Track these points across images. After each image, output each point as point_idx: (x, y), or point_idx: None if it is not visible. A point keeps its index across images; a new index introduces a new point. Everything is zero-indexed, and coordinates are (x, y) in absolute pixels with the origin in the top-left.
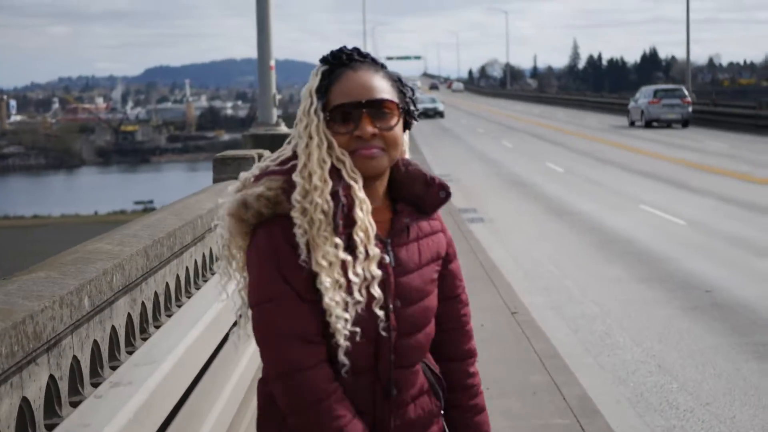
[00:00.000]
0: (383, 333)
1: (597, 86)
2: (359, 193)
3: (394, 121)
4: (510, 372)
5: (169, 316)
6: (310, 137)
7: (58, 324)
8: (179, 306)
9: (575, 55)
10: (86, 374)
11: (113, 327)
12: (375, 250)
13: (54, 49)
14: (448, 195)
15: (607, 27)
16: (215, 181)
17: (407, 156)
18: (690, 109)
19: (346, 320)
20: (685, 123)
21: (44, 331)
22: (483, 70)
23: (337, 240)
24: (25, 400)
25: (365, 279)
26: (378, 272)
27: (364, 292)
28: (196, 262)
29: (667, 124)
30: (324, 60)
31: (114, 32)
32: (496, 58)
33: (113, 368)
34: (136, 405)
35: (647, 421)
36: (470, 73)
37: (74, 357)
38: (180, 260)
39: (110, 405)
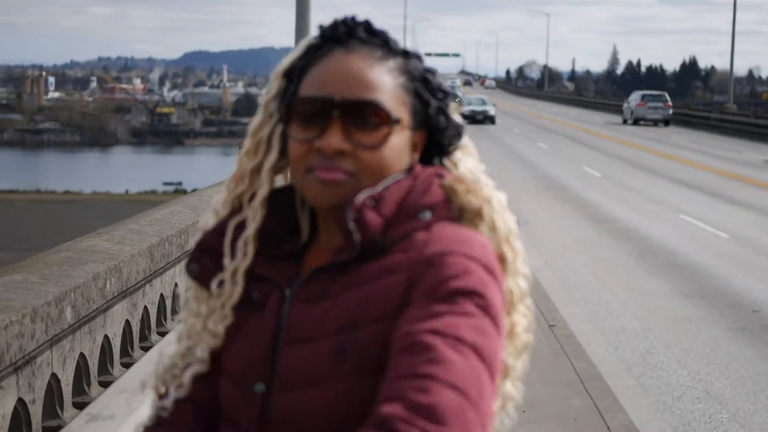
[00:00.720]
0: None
1: None
2: (249, 212)
3: (379, 136)
4: (549, 394)
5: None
6: (253, 145)
7: (27, 342)
8: None
9: (614, 60)
10: (68, 393)
11: (106, 337)
12: (232, 291)
13: (95, 29)
14: (355, 236)
15: (647, 34)
16: None
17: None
18: (670, 111)
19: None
20: (666, 122)
21: (8, 351)
22: (521, 70)
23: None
24: None
25: (205, 328)
26: (217, 326)
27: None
28: None
29: (654, 123)
30: (319, 31)
31: (155, 15)
32: (534, 60)
33: (104, 384)
34: None
35: None
36: (508, 73)
37: (53, 375)
38: None
39: None
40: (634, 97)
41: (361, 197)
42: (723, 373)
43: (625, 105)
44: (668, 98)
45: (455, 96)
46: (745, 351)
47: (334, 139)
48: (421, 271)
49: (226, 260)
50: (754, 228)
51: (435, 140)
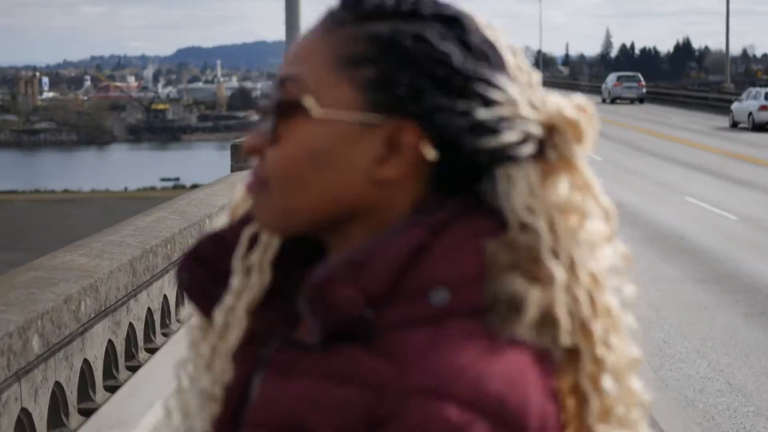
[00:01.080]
0: None
1: None
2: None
3: (272, 125)
4: None
5: (166, 335)
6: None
7: None
8: (181, 322)
9: (608, 44)
10: (42, 428)
11: (86, 361)
12: (227, 334)
13: (86, 28)
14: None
15: (641, 16)
16: (234, 169)
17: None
18: (644, 90)
19: None
20: (641, 100)
21: None
22: None
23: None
24: None
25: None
26: (214, 387)
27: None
28: None
29: (630, 101)
30: None
31: (146, 13)
32: (527, 46)
33: (84, 413)
34: None
35: None
36: None
37: (23, 410)
38: None
39: None
40: (611, 78)
41: (327, 269)
42: (744, 363)
43: (603, 86)
44: (641, 78)
45: (476, 76)
46: (765, 338)
47: (252, 138)
48: (386, 414)
49: (234, 281)
50: (762, 208)
51: (468, 159)
